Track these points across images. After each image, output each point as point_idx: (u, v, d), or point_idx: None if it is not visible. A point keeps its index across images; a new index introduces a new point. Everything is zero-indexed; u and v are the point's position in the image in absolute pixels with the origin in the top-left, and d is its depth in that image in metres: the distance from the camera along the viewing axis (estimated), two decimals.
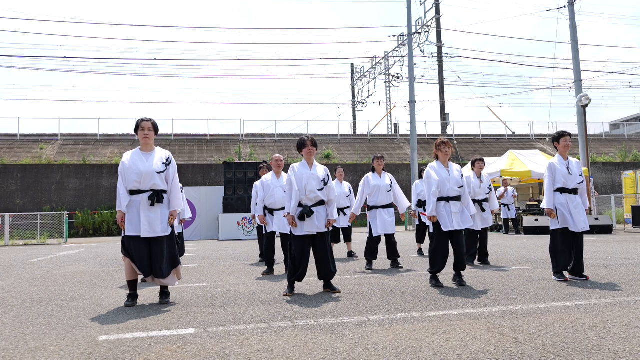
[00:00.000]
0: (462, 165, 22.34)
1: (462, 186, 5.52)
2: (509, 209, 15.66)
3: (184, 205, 7.62)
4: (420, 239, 9.33)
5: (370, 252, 7.17)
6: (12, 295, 5.50)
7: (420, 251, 9.24)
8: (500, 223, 17.61)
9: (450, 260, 5.75)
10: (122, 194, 4.64)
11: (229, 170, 17.66)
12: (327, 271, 5.11)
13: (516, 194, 16.15)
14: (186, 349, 3.10)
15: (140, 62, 61.72)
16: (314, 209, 5.07)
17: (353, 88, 41.51)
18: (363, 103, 38.85)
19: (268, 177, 6.98)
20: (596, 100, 48.50)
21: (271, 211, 6.90)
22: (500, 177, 16.43)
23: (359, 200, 7.31)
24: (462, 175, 5.60)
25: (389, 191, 7.19)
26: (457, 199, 5.47)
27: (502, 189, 15.68)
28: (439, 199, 5.42)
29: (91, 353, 3.06)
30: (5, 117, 77.76)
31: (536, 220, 15.12)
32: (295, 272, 5.06)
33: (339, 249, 10.37)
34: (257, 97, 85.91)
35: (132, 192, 4.65)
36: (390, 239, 7.20)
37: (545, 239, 8.29)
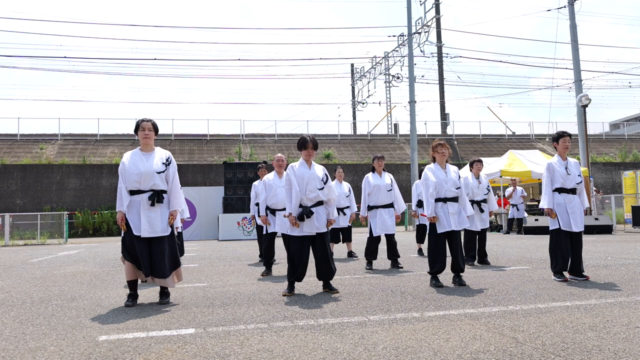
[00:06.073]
0: (462, 165, 22.36)
1: (459, 187, 5.54)
2: (517, 209, 15.58)
3: (183, 204, 7.60)
4: (420, 239, 9.33)
5: (370, 252, 7.17)
6: (12, 295, 5.50)
7: (420, 251, 9.24)
8: (500, 223, 17.62)
9: (449, 261, 5.75)
10: (123, 195, 4.65)
11: (229, 170, 17.66)
12: (326, 271, 5.11)
13: (525, 194, 15.99)
14: (186, 349, 3.10)
15: (140, 62, 61.69)
16: (313, 209, 5.06)
17: (353, 88, 41.51)
18: (363, 103, 38.85)
19: (270, 177, 6.94)
20: (596, 100, 48.48)
21: (273, 211, 6.86)
22: (500, 177, 16.43)
23: (364, 201, 7.29)
24: (459, 177, 5.62)
25: (389, 191, 7.18)
26: (455, 199, 5.49)
27: (510, 189, 15.65)
28: (437, 200, 5.45)
29: (91, 353, 3.06)
30: (5, 117, 77.60)
31: (536, 220, 15.12)
32: (294, 273, 5.06)
33: (339, 249, 10.37)
34: (257, 97, 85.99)
35: (132, 192, 4.65)
36: (390, 239, 7.20)
37: (545, 239, 8.30)
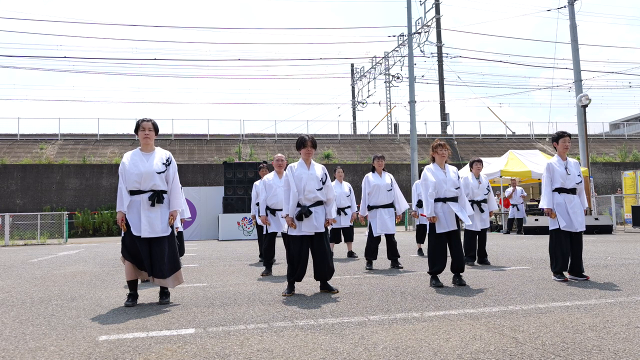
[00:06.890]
0: (462, 165, 22.36)
1: (458, 187, 5.55)
2: (517, 209, 15.58)
3: (184, 205, 7.61)
4: (420, 239, 9.33)
5: (370, 252, 7.16)
6: (12, 295, 5.50)
7: (420, 251, 9.24)
8: (500, 223, 17.62)
9: (449, 261, 5.76)
10: (123, 195, 4.65)
11: (229, 170, 17.67)
12: (324, 271, 5.09)
13: (525, 194, 16.00)
14: (186, 349, 3.10)
15: (141, 62, 61.73)
16: (312, 209, 5.05)
17: (353, 88, 41.51)
18: (363, 103, 38.85)
19: (270, 177, 6.94)
20: (596, 100, 48.47)
21: (273, 211, 6.87)
22: (500, 177, 16.43)
23: (363, 201, 7.29)
24: (459, 177, 5.63)
25: (389, 190, 7.18)
26: (454, 199, 5.50)
27: (510, 189, 15.65)
28: (436, 200, 5.45)
29: (91, 353, 3.06)
30: (5, 117, 77.52)
31: (536, 220, 15.13)
32: (294, 273, 5.06)
33: (339, 249, 10.37)
34: (257, 97, 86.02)
35: (132, 193, 4.64)
36: (390, 239, 7.19)
37: (545, 239, 8.31)
